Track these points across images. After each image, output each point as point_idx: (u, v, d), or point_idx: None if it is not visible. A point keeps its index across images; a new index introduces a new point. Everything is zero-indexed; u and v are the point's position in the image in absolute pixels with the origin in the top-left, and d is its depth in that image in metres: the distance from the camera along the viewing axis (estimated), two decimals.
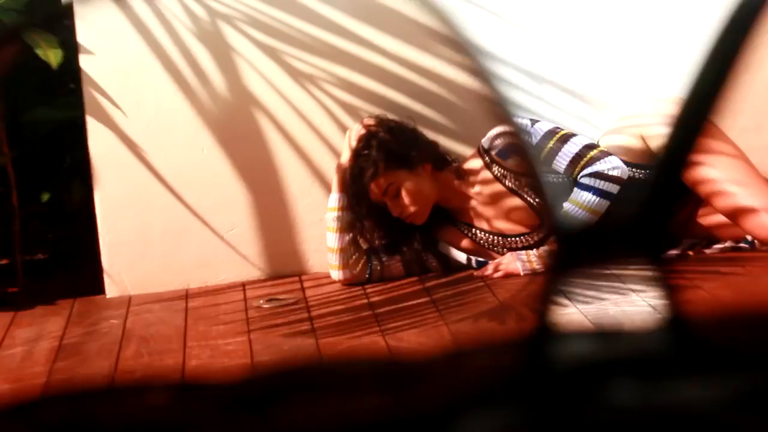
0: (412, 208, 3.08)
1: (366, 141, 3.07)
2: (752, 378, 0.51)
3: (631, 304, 2.64)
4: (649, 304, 2.55)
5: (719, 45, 0.55)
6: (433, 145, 3.19)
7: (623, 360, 0.52)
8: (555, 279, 0.56)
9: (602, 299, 2.69)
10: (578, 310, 2.61)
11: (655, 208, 0.56)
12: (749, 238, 3.05)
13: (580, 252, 0.56)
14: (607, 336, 0.54)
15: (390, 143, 3.07)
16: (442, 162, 3.18)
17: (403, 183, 3.07)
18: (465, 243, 3.21)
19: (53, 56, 3.05)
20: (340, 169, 3.13)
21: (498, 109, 0.61)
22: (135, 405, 0.56)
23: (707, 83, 0.56)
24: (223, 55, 3.20)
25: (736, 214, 2.98)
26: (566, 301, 2.64)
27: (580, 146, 3.07)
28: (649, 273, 0.56)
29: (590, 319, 2.56)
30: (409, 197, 3.08)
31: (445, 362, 0.56)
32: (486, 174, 3.16)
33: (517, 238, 3.16)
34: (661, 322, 0.54)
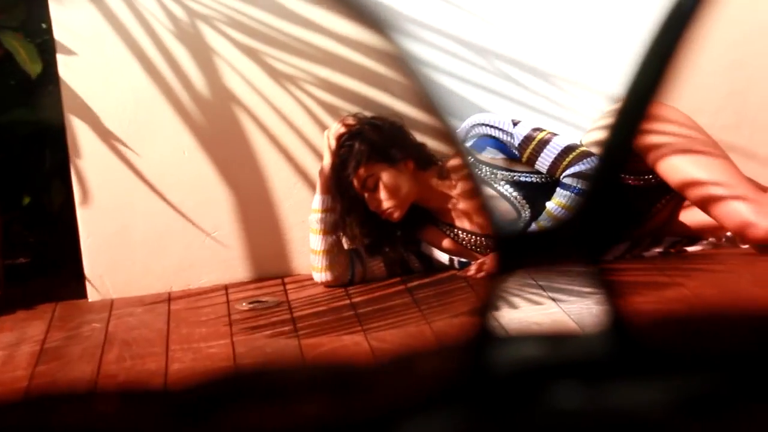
0: (387, 203, 3.07)
1: (349, 135, 3.07)
2: (696, 381, 0.51)
3: (573, 306, 2.64)
4: (592, 307, 2.56)
5: (655, 44, 0.55)
6: (420, 145, 3.19)
7: (566, 363, 0.52)
8: (496, 282, 0.56)
9: (545, 302, 2.69)
10: (519, 313, 2.61)
11: (595, 209, 0.56)
12: (731, 235, 3.05)
13: (521, 255, 0.56)
14: (550, 339, 0.54)
15: (373, 137, 3.07)
16: (426, 161, 3.17)
17: (381, 176, 3.07)
18: (447, 244, 3.21)
19: (32, 67, 3.05)
20: (324, 171, 3.13)
21: (432, 112, 0.61)
22: (79, 412, 0.55)
23: (644, 84, 0.55)
24: (204, 56, 3.19)
25: (715, 210, 2.99)
26: (508, 304, 2.64)
27: (562, 146, 3.07)
28: (590, 275, 0.55)
29: (532, 321, 2.56)
30: (386, 192, 3.07)
31: (389, 366, 0.56)
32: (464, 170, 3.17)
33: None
34: (603, 325, 0.53)
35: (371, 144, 3.06)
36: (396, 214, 3.09)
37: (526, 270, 0.56)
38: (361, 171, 3.06)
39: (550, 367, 0.52)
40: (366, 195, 3.08)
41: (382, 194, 3.07)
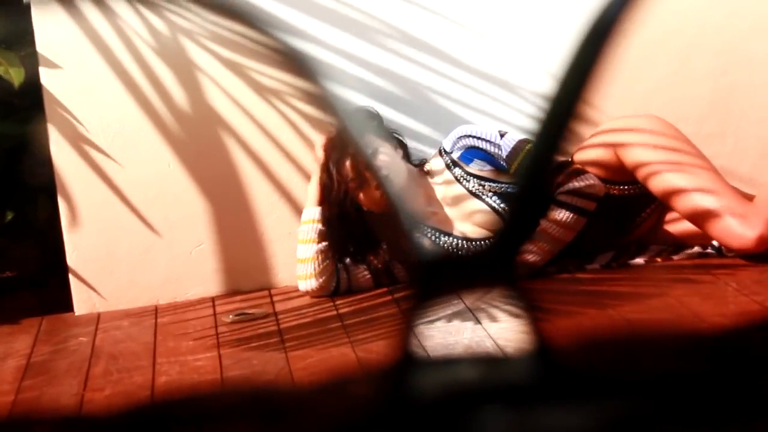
0: (385, 170, 3.04)
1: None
2: (620, 404, 0.51)
3: (494, 331, 2.62)
4: (513, 332, 2.55)
5: (577, 58, 0.55)
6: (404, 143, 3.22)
7: (492, 387, 0.52)
8: (417, 308, 0.55)
9: (467, 327, 2.67)
10: (443, 338, 2.60)
11: (514, 234, 0.56)
12: (716, 244, 3.06)
13: (442, 281, 0.56)
14: (476, 363, 0.54)
15: (375, 118, 3.12)
16: (410, 157, 3.19)
17: (380, 148, 3.07)
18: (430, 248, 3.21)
19: (15, 75, 3.02)
20: (315, 183, 3.13)
21: (343, 135, 0.61)
22: None
23: (564, 101, 0.55)
24: (187, 71, 3.19)
25: (701, 220, 3.00)
26: (431, 330, 2.63)
27: (555, 162, 3.08)
28: (511, 299, 0.55)
29: (454, 346, 2.55)
30: (383, 161, 3.05)
31: (318, 392, 0.56)
32: (447, 176, 3.17)
33: (482, 242, 3.16)
34: (525, 350, 0.53)
35: (370, 116, 3.09)
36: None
37: (447, 294, 0.55)
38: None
39: (476, 391, 0.52)
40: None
41: (380, 162, 3.05)
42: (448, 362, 0.54)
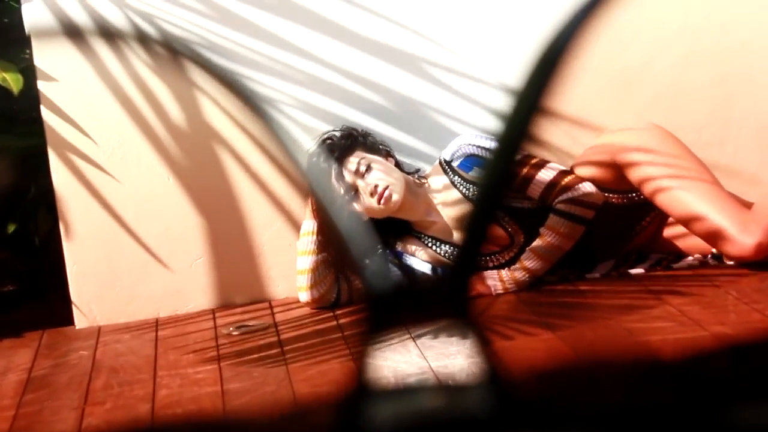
0: (383, 182, 3.05)
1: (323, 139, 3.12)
2: None
3: (447, 360, 2.61)
4: (466, 361, 2.54)
5: (527, 87, 0.54)
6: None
7: (443, 418, 0.52)
8: (369, 338, 0.55)
9: (420, 356, 2.65)
10: (397, 368, 2.59)
11: (465, 264, 0.56)
12: (716, 252, 3.06)
13: (394, 310, 0.55)
14: (429, 392, 0.54)
15: (350, 132, 3.11)
16: (403, 168, 3.19)
17: (371, 159, 3.07)
18: (429, 255, 3.20)
19: (14, 82, 3.02)
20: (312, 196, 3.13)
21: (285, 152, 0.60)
22: None
23: (514, 130, 0.55)
24: (183, 85, 3.18)
25: (701, 229, 3.00)
26: (383, 359, 2.62)
27: (555, 173, 3.08)
28: (462, 329, 0.55)
29: (410, 376, 2.54)
30: (380, 171, 3.06)
31: (279, 421, 0.55)
32: (453, 193, 3.16)
33: (487, 257, 3.15)
34: (477, 379, 0.53)
35: (349, 135, 3.10)
36: (395, 195, 3.07)
37: (399, 325, 0.55)
38: (353, 156, 3.06)
39: (428, 422, 0.51)
40: (359, 182, 3.06)
41: (377, 174, 3.05)
42: (404, 391, 0.54)
